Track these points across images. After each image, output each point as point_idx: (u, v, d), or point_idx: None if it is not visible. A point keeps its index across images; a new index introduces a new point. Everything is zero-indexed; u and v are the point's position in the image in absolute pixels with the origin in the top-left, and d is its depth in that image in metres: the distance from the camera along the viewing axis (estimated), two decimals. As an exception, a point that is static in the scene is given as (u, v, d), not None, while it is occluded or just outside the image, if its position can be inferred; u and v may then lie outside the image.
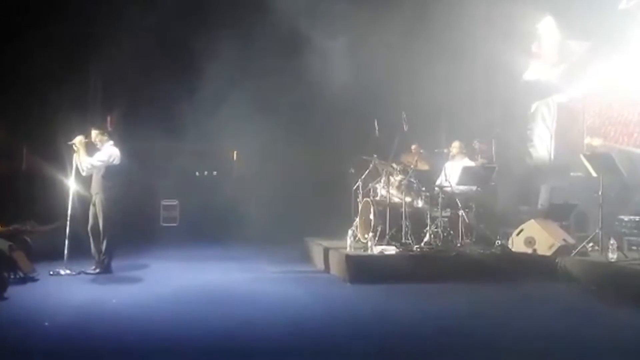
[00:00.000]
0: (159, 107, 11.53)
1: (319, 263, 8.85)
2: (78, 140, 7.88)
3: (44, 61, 10.26)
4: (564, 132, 10.74)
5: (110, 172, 7.90)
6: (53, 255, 8.14)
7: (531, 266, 7.74)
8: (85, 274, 7.75)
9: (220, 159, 13.39)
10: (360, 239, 8.66)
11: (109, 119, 10.44)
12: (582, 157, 8.10)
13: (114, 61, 11.07)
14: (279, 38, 10.76)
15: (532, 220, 8.41)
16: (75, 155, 7.92)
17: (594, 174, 7.86)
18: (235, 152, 13.49)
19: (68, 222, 7.96)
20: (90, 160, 7.84)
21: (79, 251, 8.04)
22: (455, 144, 9.19)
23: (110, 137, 8.13)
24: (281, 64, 10.91)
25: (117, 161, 7.94)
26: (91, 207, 7.98)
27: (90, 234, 7.94)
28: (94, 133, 8.04)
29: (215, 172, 13.41)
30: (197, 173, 13.32)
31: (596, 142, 7.89)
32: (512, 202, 10.03)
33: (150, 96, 11.64)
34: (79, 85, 11.41)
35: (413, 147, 9.71)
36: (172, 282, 7.52)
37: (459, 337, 5.03)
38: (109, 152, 7.94)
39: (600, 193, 7.65)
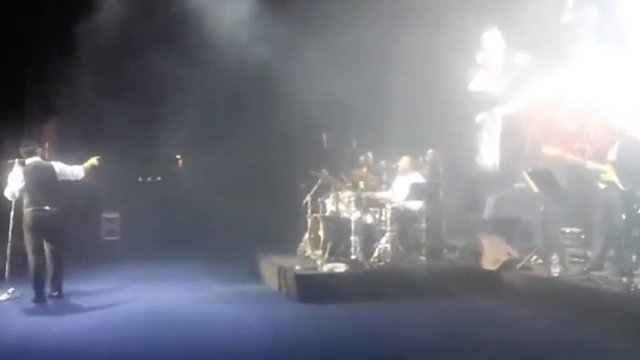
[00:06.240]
0: (97, 111, 11.04)
1: (269, 280, 8.74)
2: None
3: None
4: (508, 143, 10.93)
5: (21, 197, 7.44)
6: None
7: (477, 281, 7.87)
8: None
9: (165, 164, 13.00)
10: (310, 256, 8.58)
11: (45, 128, 9.96)
12: (524, 174, 8.24)
13: (52, 67, 10.60)
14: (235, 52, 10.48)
15: (478, 236, 8.54)
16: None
17: (536, 190, 8.03)
18: (179, 159, 13.13)
19: (9, 239, 7.52)
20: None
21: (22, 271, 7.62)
22: (405, 159, 9.18)
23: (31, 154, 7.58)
24: (232, 73, 10.64)
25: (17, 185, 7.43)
26: None
27: None
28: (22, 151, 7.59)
29: (159, 178, 13.04)
30: (140, 179, 12.92)
31: (554, 152, 7.99)
32: (460, 212, 10.16)
33: (89, 101, 11.14)
34: (14, 94, 10.88)
35: (362, 158, 9.70)
36: (115, 305, 7.28)
37: (406, 355, 5.10)
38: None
39: (542, 209, 7.82)
